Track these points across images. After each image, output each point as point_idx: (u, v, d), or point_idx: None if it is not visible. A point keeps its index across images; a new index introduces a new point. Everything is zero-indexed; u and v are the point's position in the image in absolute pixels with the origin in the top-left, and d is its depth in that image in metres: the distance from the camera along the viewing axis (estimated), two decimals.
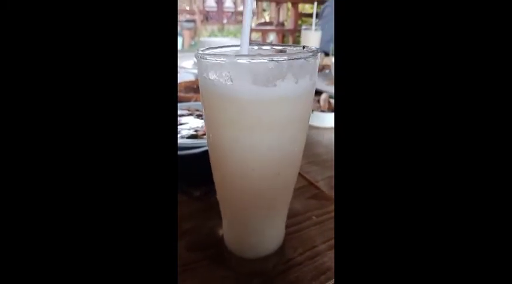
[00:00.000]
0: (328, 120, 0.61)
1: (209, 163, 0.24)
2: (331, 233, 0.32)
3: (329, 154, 0.50)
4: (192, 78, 0.84)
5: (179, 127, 0.42)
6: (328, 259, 0.29)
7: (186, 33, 4.15)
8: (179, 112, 0.48)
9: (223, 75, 0.18)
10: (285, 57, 0.17)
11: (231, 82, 0.18)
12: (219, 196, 0.26)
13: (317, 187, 0.41)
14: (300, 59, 0.18)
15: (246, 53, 0.20)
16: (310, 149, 0.52)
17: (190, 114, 0.48)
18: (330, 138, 0.57)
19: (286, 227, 0.28)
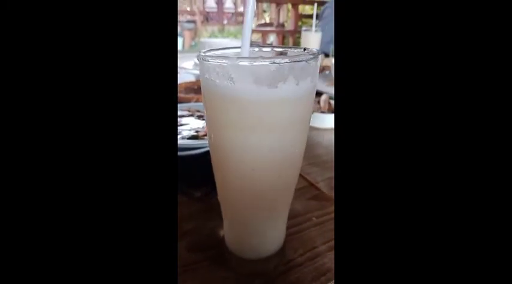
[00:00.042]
0: (328, 121, 0.61)
1: (210, 164, 0.24)
2: (332, 234, 0.32)
3: (329, 155, 0.50)
4: (192, 78, 0.84)
5: (180, 128, 0.42)
6: (329, 260, 0.29)
7: (187, 33, 4.15)
8: (180, 113, 0.48)
9: (225, 76, 0.18)
10: (287, 60, 0.18)
11: (232, 84, 0.18)
12: (220, 196, 0.26)
13: (317, 188, 0.41)
14: (301, 61, 0.18)
15: (247, 55, 0.20)
16: (310, 150, 0.52)
17: (191, 115, 0.48)
18: (330, 139, 0.57)
19: (287, 228, 0.28)
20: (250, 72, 0.18)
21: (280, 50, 0.24)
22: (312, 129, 0.60)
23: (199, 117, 0.47)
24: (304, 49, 0.22)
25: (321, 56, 0.20)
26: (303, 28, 1.07)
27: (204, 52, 0.20)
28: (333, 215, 0.35)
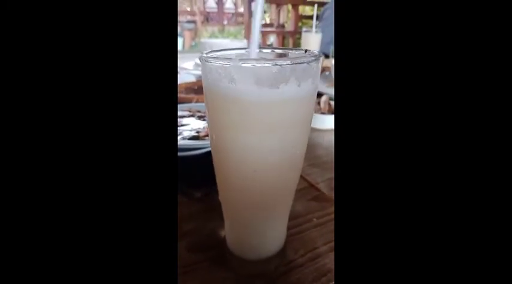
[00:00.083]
0: (328, 122, 0.61)
1: (210, 165, 0.24)
2: (332, 235, 0.32)
3: (329, 156, 0.50)
4: (193, 79, 0.84)
5: (181, 128, 0.42)
6: (329, 260, 0.29)
7: (187, 33, 4.15)
8: (180, 113, 0.48)
9: (228, 78, 0.18)
10: (289, 62, 0.18)
11: (235, 85, 0.18)
12: (221, 197, 0.26)
13: (318, 189, 0.41)
14: (302, 63, 0.18)
15: (255, 56, 0.20)
16: (310, 151, 0.52)
17: (192, 115, 0.48)
18: (330, 140, 0.57)
19: (288, 228, 0.29)
20: (253, 73, 0.18)
21: (280, 51, 0.24)
22: (312, 130, 0.60)
23: (200, 118, 0.47)
24: (306, 51, 0.22)
25: (322, 58, 0.20)
26: (303, 29, 1.07)
27: (206, 53, 0.20)
28: (333, 216, 0.35)
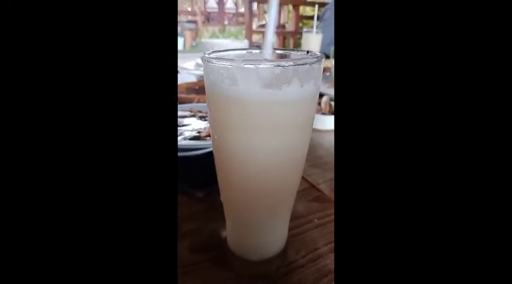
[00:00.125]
0: (329, 122, 0.61)
1: (212, 165, 0.24)
2: (333, 236, 0.32)
3: (330, 157, 0.50)
4: (193, 79, 0.84)
5: (182, 128, 0.42)
6: (330, 261, 0.29)
7: (188, 33, 4.15)
8: (181, 113, 0.48)
9: (230, 78, 0.18)
10: (291, 63, 0.18)
11: (237, 86, 0.18)
12: (222, 197, 0.26)
13: (319, 190, 0.41)
14: (305, 64, 0.18)
15: (270, 57, 0.21)
16: (311, 152, 0.52)
17: (193, 116, 0.48)
18: (330, 140, 0.57)
19: (289, 229, 0.29)
20: (255, 74, 0.18)
21: (281, 52, 0.24)
22: (313, 130, 0.60)
23: (201, 118, 0.47)
24: (308, 52, 0.22)
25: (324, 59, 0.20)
26: (304, 29, 1.07)
27: (208, 54, 0.20)
28: (333, 216, 0.35)
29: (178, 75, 0.86)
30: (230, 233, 0.28)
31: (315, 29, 1.01)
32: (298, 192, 0.26)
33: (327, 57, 1.15)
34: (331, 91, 0.75)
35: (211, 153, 0.24)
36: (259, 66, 0.17)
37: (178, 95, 0.62)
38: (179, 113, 0.48)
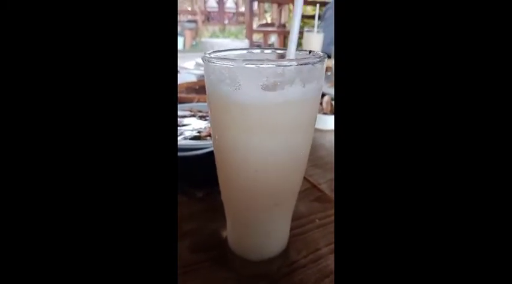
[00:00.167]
0: (330, 122, 0.61)
1: (212, 165, 0.24)
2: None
3: (331, 157, 0.50)
4: (194, 78, 0.84)
5: (182, 128, 0.42)
6: (332, 262, 0.29)
7: (188, 33, 4.15)
8: (182, 113, 0.48)
9: (231, 78, 0.18)
10: (294, 63, 0.18)
11: (238, 86, 0.18)
12: (223, 197, 0.26)
13: (320, 190, 0.41)
14: (307, 64, 0.18)
15: (293, 57, 0.20)
16: (312, 152, 0.51)
17: (193, 115, 0.48)
18: (332, 140, 0.57)
19: (290, 229, 0.28)
20: (257, 74, 0.18)
21: (282, 52, 0.24)
22: (315, 130, 0.60)
23: (201, 118, 0.47)
24: (310, 52, 0.22)
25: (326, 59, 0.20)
26: (305, 29, 1.07)
27: (209, 53, 0.20)
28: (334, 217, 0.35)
29: (178, 74, 0.86)
30: (231, 233, 0.28)
31: (316, 28, 1.01)
32: (300, 192, 0.26)
33: (328, 56, 1.15)
34: (332, 91, 0.74)
35: (211, 152, 0.24)
36: (261, 66, 0.17)
37: (178, 95, 0.62)
38: (179, 113, 0.48)
